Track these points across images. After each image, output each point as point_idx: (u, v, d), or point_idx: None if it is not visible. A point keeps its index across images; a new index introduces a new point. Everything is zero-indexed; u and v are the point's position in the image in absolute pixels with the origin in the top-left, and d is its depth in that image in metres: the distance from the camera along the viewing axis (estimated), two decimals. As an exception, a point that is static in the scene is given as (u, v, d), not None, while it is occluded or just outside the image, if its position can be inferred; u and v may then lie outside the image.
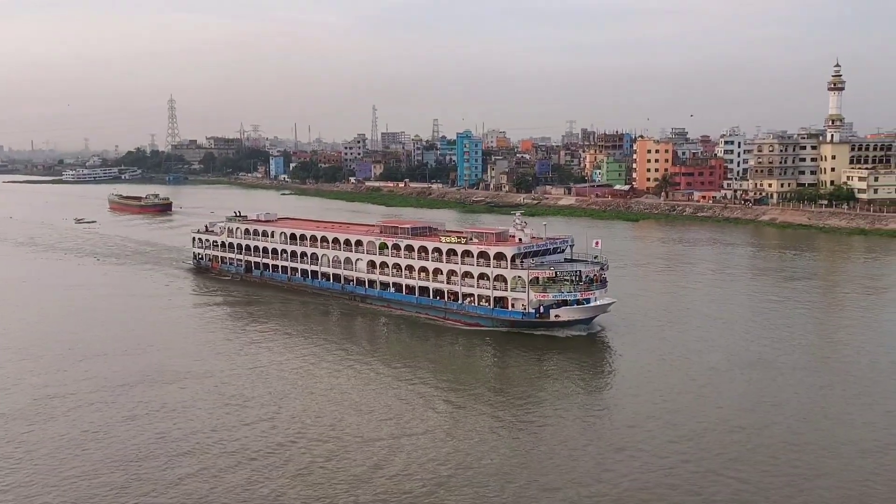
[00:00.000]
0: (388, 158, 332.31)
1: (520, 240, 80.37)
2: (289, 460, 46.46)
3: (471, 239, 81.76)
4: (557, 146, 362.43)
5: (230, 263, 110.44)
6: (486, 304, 77.78)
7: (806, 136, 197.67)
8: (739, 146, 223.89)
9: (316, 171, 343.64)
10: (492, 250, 78.12)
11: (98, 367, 65.49)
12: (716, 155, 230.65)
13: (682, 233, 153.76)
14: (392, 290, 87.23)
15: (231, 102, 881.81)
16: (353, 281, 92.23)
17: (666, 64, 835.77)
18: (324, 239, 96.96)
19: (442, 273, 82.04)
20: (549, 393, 58.96)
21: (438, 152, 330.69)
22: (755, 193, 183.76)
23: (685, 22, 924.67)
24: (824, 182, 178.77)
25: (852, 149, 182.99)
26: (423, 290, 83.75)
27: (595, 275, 76.37)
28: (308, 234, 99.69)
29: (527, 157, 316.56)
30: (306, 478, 43.99)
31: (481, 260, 78.84)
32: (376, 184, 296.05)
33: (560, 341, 71.97)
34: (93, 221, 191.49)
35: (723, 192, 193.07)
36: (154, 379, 62.32)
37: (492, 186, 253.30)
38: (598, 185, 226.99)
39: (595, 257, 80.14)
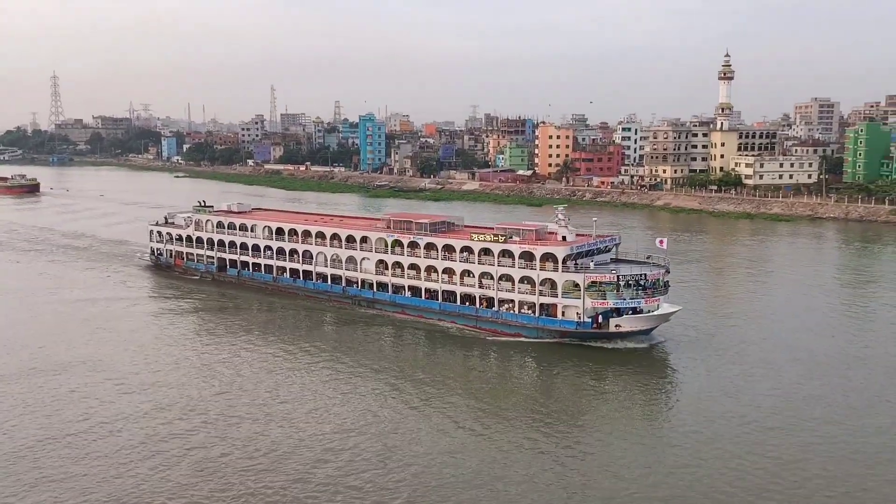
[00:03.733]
0: (288, 141, 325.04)
1: (564, 238, 70.67)
2: (282, 486, 41.25)
3: (510, 237, 71.59)
4: (461, 131, 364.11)
5: (198, 261, 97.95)
6: (530, 311, 67.92)
7: (698, 123, 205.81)
8: (636, 133, 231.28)
9: (211, 153, 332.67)
10: (538, 250, 67.96)
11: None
12: (614, 141, 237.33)
13: (584, 218, 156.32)
14: (408, 293, 76.55)
15: (120, 80, 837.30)
16: (357, 283, 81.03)
17: (566, 50, 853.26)
18: (319, 234, 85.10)
19: (473, 275, 72.01)
20: (605, 420, 50.55)
21: (341, 135, 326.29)
22: (650, 179, 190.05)
23: (584, 9, 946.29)
24: (714, 168, 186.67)
25: (740, 136, 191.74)
26: (449, 295, 73.71)
27: (658, 279, 67.44)
28: (299, 228, 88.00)
29: (431, 141, 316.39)
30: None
31: (523, 261, 68.83)
32: (276, 167, 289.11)
33: (618, 356, 62.79)
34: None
35: (620, 177, 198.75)
36: (122, 405, 51.89)
37: (396, 171, 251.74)
38: (501, 171, 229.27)
39: (648, 257, 72.68)
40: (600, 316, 65.05)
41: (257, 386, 56.18)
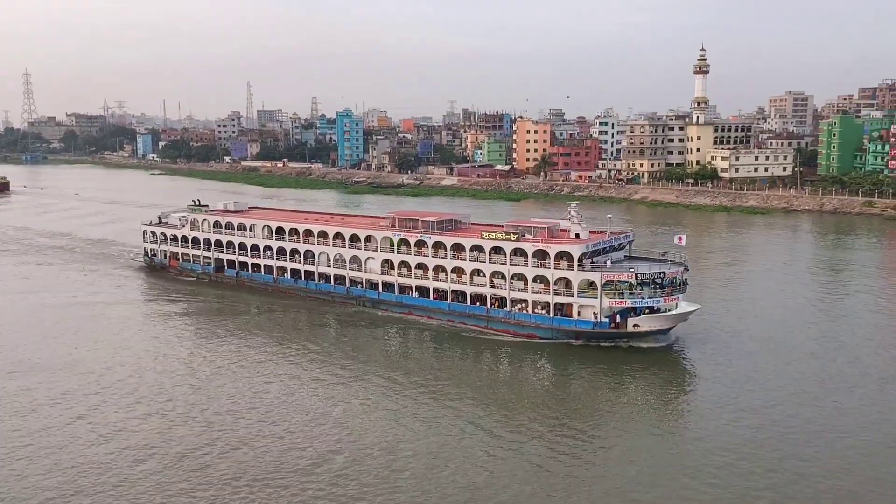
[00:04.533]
0: (265, 137, 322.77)
1: (577, 235, 69.30)
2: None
3: (521, 235, 69.72)
4: (439, 126, 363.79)
5: (194, 261, 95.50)
6: (544, 311, 66.41)
7: (674, 117, 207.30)
8: (613, 127, 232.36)
9: (187, 150, 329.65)
10: (552, 248, 66.22)
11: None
12: (591, 136, 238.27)
13: (562, 212, 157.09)
14: (415, 294, 74.77)
15: (94, 78, 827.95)
16: (361, 283, 79.03)
17: (543, 45, 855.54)
18: (322, 234, 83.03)
19: (483, 275, 70.26)
20: (624, 423, 48.99)
21: (318, 131, 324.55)
22: (628, 173, 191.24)
23: (561, 4, 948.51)
24: (691, 162, 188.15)
25: (716, 130, 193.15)
26: (458, 295, 71.92)
27: (676, 276, 66.20)
28: (300, 227, 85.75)
29: (409, 136, 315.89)
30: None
31: (536, 259, 67.27)
32: (253, 163, 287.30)
33: (637, 356, 61.52)
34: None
35: (598, 171, 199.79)
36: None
37: (374, 167, 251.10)
38: (479, 166, 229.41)
39: (663, 254, 71.65)
40: (618, 315, 63.62)
41: (247, 385, 55.82)
